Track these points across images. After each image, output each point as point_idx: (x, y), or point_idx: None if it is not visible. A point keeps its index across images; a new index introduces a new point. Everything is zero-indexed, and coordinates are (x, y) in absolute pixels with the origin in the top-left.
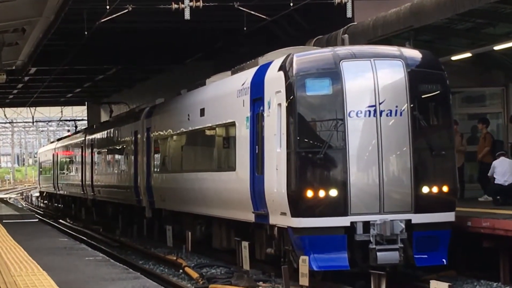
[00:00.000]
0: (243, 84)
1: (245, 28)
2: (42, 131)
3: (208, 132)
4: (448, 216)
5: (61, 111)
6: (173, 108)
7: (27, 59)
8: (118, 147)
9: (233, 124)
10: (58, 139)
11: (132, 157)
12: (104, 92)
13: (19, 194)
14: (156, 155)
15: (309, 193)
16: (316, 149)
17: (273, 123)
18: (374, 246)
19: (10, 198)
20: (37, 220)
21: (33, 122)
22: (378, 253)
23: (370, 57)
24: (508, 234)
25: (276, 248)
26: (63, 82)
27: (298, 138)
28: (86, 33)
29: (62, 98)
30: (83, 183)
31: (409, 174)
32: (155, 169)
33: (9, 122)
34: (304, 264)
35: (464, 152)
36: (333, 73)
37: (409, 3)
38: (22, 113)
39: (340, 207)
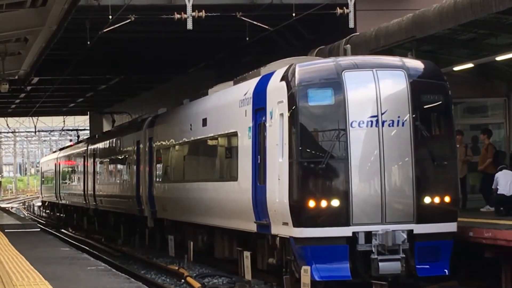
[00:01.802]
0: (245, 94)
1: (247, 38)
2: (44, 140)
3: (210, 142)
4: (450, 227)
5: (64, 121)
6: (175, 118)
7: (30, 68)
8: (120, 157)
9: (235, 134)
10: (60, 149)
11: (134, 167)
12: (107, 102)
13: (21, 204)
14: (158, 165)
15: (311, 203)
16: (318, 159)
17: (275, 133)
18: (376, 256)
19: (12, 208)
20: (39, 229)
21: (35, 132)
22: (380, 263)
23: (372, 67)
24: (509, 244)
25: (278, 258)
26: (66, 92)
27: (300, 148)
28: (88, 42)
29: (64, 108)
30: (85, 192)
31: (411, 184)
32: (157, 179)
33: (12, 132)
34: (306, 274)
35: (469, 163)
36: (335, 83)
37: (411, 13)
38: (25, 123)
39: (342, 217)
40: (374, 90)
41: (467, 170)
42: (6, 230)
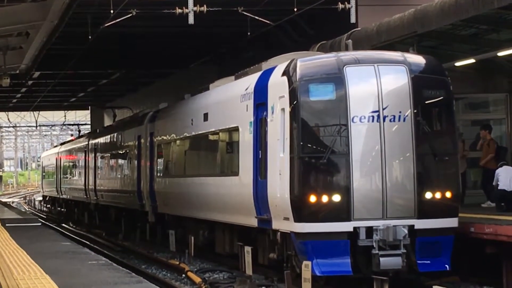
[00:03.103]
0: (246, 89)
1: (249, 33)
2: (45, 135)
3: (211, 137)
4: (451, 222)
5: (65, 115)
6: (176, 112)
7: (31, 63)
8: (121, 152)
9: (236, 129)
10: (62, 144)
11: (135, 162)
12: (108, 97)
13: (22, 198)
14: (159, 160)
15: (312, 198)
16: (319, 154)
17: (277, 128)
18: (377, 252)
19: (13, 202)
20: (40, 224)
21: (36, 126)
22: (381, 259)
23: (373, 62)
24: (510, 240)
25: (279, 253)
26: (67, 86)
27: (301, 143)
28: (90, 37)
29: (65, 102)
30: (86, 187)
31: (412, 180)
32: (158, 174)
33: (13, 126)
34: (306, 269)
35: (466, 158)
36: (336, 78)
37: (413, 8)
38: (26, 117)
39: (343, 212)
40: (376, 85)
41: (466, 166)
42: (7, 225)
